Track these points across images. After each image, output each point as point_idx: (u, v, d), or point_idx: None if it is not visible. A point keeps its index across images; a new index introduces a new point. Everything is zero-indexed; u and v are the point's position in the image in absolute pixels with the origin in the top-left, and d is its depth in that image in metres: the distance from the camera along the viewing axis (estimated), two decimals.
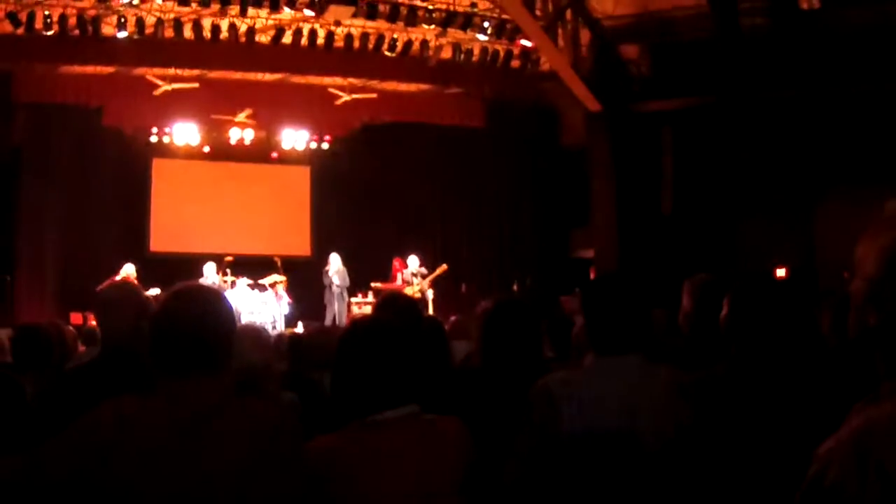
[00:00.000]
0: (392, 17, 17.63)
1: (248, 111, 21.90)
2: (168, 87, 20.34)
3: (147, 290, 17.70)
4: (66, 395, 4.15)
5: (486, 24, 18.30)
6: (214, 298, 3.13)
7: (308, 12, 17.25)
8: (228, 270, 19.94)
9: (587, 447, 3.74)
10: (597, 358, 4.01)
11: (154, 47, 18.27)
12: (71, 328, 9.73)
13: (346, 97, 21.73)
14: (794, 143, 17.13)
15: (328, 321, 19.50)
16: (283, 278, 20.37)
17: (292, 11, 17.41)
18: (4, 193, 20.48)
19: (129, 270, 18.62)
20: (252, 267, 20.59)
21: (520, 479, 3.87)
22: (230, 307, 3.20)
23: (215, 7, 17.19)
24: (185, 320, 3.01)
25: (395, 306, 5.23)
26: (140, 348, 3.73)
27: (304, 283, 21.37)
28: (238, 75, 20.89)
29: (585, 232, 20.21)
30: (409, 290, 19.05)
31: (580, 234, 21.46)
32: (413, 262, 20.19)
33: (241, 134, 22.49)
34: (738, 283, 4.11)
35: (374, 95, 22.05)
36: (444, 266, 20.04)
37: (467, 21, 18.07)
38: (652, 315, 4.49)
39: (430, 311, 18.67)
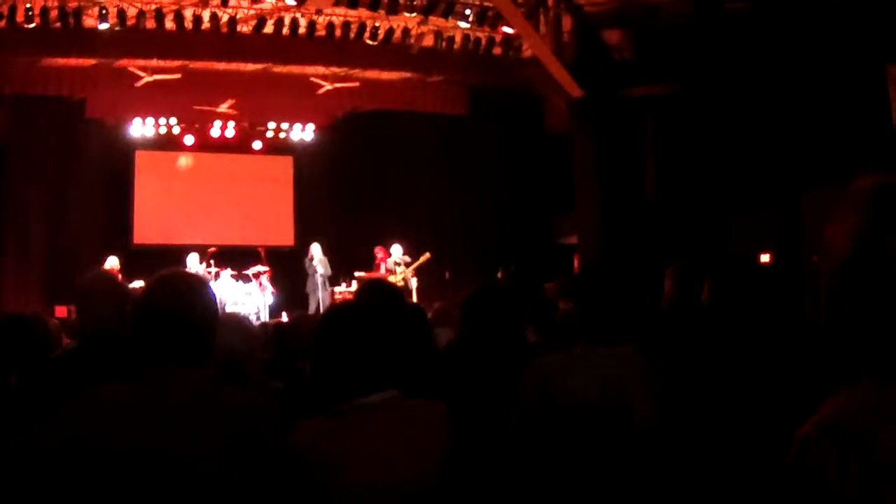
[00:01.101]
0: (373, 6, 17.56)
1: (230, 102, 21.91)
2: (150, 79, 20.32)
3: (130, 282, 17.81)
4: (49, 384, 4.15)
5: (467, 12, 18.25)
6: (197, 286, 3.13)
7: (290, 1, 17.21)
8: (212, 261, 19.92)
9: (576, 426, 3.76)
10: (589, 346, 4.01)
11: (136, 38, 18.16)
12: (55, 320, 9.71)
13: (328, 86, 21.73)
14: (779, 129, 17.14)
15: (312, 310, 19.48)
16: (266, 269, 20.40)
17: (274, 1, 17.37)
18: None
19: (112, 263, 18.55)
20: (236, 257, 20.61)
21: (510, 456, 3.90)
22: (213, 295, 3.19)
23: None
24: (167, 307, 3.01)
25: (377, 292, 5.23)
26: (122, 335, 3.73)
27: (288, 273, 21.38)
28: (220, 66, 20.82)
29: (570, 218, 20.21)
30: (392, 279, 19.05)
31: (565, 221, 21.47)
32: (396, 250, 20.18)
33: (223, 124, 22.54)
34: (718, 266, 4.12)
35: (356, 84, 22.05)
36: (427, 254, 20.03)
37: (449, 8, 18.03)
38: (643, 302, 4.50)
39: (415, 300, 18.67)
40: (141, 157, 22.88)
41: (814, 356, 3.89)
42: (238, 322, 5.12)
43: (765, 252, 17.95)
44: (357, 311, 3.40)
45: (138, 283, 17.77)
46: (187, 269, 18.28)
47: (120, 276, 18.00)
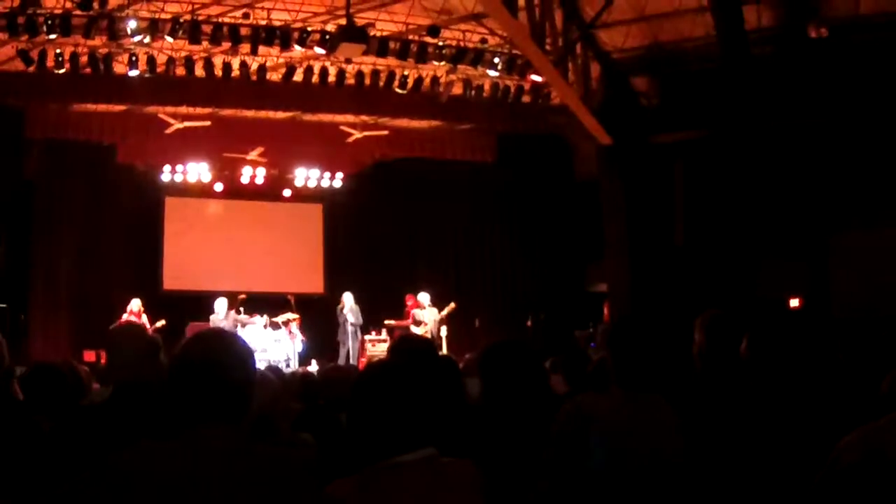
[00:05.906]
0: (402, 54, 17.66)
1: (259, 149, 22.00)
2: (180, 125, 20.43)
3: (154, 322, 17.90)
4: (82, 432, 4.15)
5: (496, 60, 18.31)
6: (234, 346, 3.10)
7: (319, 50, 17.25)
8: (242, 308, 19.94)
9: (613, 468, 3.81)
10: (622, 391, 4.11)
11: (166, 85, 18.32)
12: (85, 367, 9.71)
13: (357, 134, 21.82)
14: (807, 173, 17.08)
15: (342, 359, 19.52)
16: (296, 316, 20.41)
17: (303, 49, 17.43)
18: (18, 230, 20.53)
19: (135, 306, 18.62)
20: (265, 305, 20.64)
21: (548, 493, 3.93)
22: (250, 354, 3.17)
23: (226, 45, 17.21)
24: (204, 369, 2.98)
25: (409, 349, 5.23)
26: (151, 385, 3.72)
27: (318, 320, 21.37)
28: (250, 113, 20.99)
29: (601, 266, 20.13)
30: (421, 329, 19.06)
31: (596, 268, 21.36)
32: (424, 298, 20.14)
33: (253, 172, 22.61)
34: (753, 320, 4.15)
35: (385, 132, 22.15)
36: (453, 304, 20.01)
37: (478, 57, 18.09)
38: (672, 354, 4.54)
39: (444, 349, 18.65)
40: (171, 204, 23.01)
41: (845, 402, 3.91)
42: (267, 374, 5.10)
43: (794, 296, 17.86)
44: (392, 372, 3.38)
45: (160, 323, 17.89)
46: (215, 315, 18.46)
47: (143, 316, 18.11)
